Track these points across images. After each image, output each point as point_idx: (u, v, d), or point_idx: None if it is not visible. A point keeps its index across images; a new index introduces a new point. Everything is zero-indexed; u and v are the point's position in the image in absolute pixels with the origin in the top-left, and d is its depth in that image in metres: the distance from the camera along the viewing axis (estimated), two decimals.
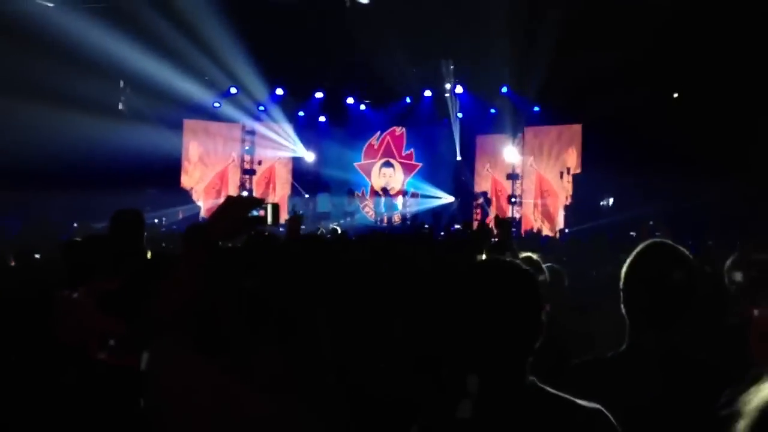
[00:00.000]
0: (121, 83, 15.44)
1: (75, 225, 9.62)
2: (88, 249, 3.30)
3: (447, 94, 17.82)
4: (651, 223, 11.90)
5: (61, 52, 12.26)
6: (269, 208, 1.91)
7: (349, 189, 18.86)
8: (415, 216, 17.71)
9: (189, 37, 13.96)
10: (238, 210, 1.87)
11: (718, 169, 11.99)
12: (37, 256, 5.03)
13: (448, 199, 18.89)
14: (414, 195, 19.21)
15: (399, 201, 19.16)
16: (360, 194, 19.49)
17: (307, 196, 18.79)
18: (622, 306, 2.22)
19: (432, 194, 18.93)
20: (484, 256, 3.80)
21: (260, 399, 1.73)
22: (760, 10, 10.93)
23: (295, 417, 1.75)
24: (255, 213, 1.88)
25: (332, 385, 1.88)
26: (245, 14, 13.60)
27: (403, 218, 18.09)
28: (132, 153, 13.95)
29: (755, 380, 1.13)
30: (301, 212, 9.81)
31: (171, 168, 17.26)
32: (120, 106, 15.64)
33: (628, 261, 2.26)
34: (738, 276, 3.43)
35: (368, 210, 19.48)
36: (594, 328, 3.21)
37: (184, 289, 1.77)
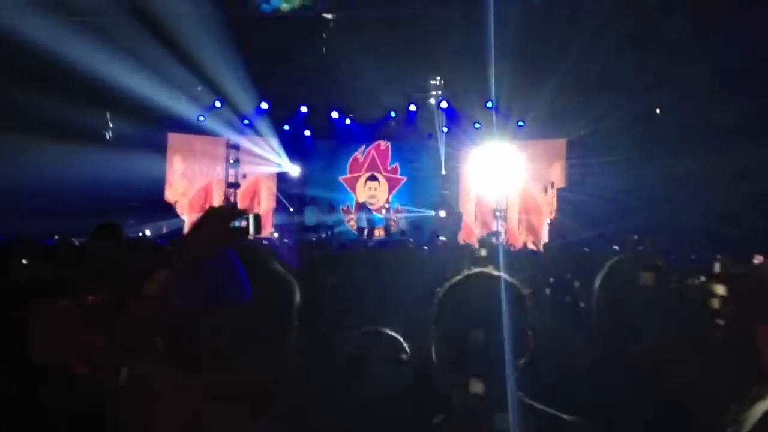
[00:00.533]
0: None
1: (56, 237, 9.50)
2: (68, 261, 3.26)
3: (433, 103, 17.82)
4: (635, 237, 11.95)
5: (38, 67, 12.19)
6: (251, 218, 1.89)
7: (329, 204, 18.94)
8: (400, 231, 17.79)
9: (173, 51, 13.93)
10: (219, 221, 1.84)
11: (702, 183, 12.09)
12: (24, 261, 4.94)
13: (434, 212, 18.91)
14: (398, 210, 19.26)
15: (383, 215, 19.19)
16: (345, 208, 19.51)
17: (292, 209, 18.80)
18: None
19: (417, 210, 18.96)
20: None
21: (233, 418, 1.71)
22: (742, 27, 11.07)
23: None
24: (237, 224, 1.86)
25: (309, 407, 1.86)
26: (230, 28, 13.61)
27: (386, 231, 18.14)
28: (115, 167, 13.87)
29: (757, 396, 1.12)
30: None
31: (155, 181, 17.17)
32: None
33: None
34: (720, 290, 3.45)
35: (352, 224, 19.48)
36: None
37: (162, 302, 1.75)
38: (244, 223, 1.87)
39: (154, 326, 1.76)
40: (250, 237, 1.92)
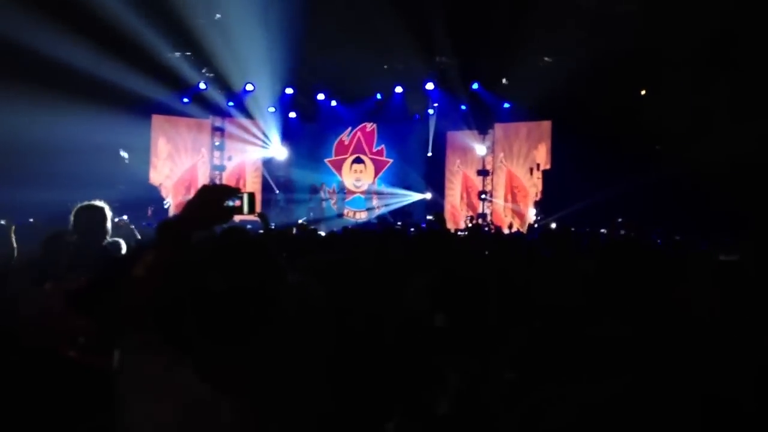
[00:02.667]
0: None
1: (30, 221, 9.39)
2: (54, 246, 3.24)
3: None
4: (620, 220, 12.04)
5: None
6: (245, 197, 1.89)
7: (312, 186, 19.02)
8: (385, 216, 17.86)
9: (157, 31, 13.79)
10: (213, 199, 1.84)
11: (686, 165, 12.16)
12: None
13: (420, 196, 18.96)
14: (382, 194, 19.34)
15: (367, 198, 19.28)
16: (331, 190, 19.53)
17: (278, 192, 18.81)
18: None
19: (403, 193, 19.00)
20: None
21: (227, 401, 1.71)
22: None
23: (259, 424, 1.73)
24: (231, 203, 1.85)
25: (301, 389, 1.86)
26: (215, 8, 13.50)
27: (378, 217, 18.21)
28: (100, 148, 13.77)
29: None
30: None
31: (139, 164, 17.07)
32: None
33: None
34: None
35: (336, 205, 19.54)
36: None
37: (150, 284, 1.74)
38: (238, 203, 1.86)
39: (145, 307, 1.76)
40: (244, 215, 1.92)
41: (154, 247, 1.81)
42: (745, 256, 3.10)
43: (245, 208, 1.88)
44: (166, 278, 1.73)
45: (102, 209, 4.10)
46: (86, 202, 4.06)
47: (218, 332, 1.73)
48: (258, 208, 1.88)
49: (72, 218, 3.96)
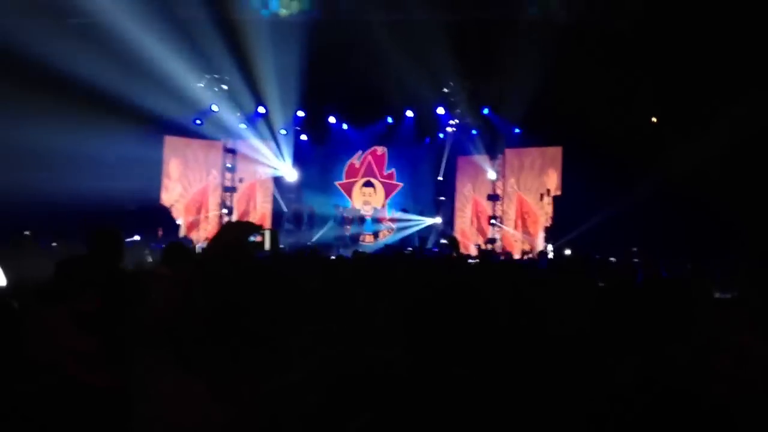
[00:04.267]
0: None
1: (54, 244, 9.48)
2: (67, 267, 3.26)
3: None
4: (635, 249, 11.96)
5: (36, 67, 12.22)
6: (267, 234, 1.92)
7: (335, 204, 19.11)
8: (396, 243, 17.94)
9: (170, 55, 13.94)
10: (235, 236, 1.86)
11: (697, 193, 12.13)
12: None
13: (430, 220, 18.97)
14: (393, 220, 19.36)
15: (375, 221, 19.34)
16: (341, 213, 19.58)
17: (285, 210, 18.95)
18: None
19: (415, 219, 19.00)
20: None
21: (239, 418, 1.72)
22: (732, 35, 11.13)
23: None
24: (252, 239, 1.88)
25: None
26: (228, 32, 13.64)
27: (375, 237, 18.28)
28: (112, 171, 13.90)
29: None
30: None
31: (151, 185, 17.19)
32: None
33: None
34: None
35: (347, 228, 19.57)
36: None
37: (172, 309, 1.76)
38: (259, 238, 1.89)
39: (161, 328, 1.77)
40: (266, 251, 1.94)
41: (167, 275, 1.83)
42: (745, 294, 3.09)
43: (266, 244, 1.91)
44: (183, 301, 1.74)
45: (118, 233, 4.15)
46: (102, 227, 4.11)
47: (233, 350, 1.74)
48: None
49: (88, 241, 4.02)
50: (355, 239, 18.71)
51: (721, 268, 8.16)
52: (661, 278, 5.18)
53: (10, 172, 12.25)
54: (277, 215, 19.10)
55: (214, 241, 1.88)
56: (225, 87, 16.56)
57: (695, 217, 12.35)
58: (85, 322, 2.70)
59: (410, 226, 18.92)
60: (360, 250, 12.43)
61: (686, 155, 12.34)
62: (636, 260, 11.36)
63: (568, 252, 13.47)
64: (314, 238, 18.03)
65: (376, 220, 19.40)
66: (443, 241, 15.23)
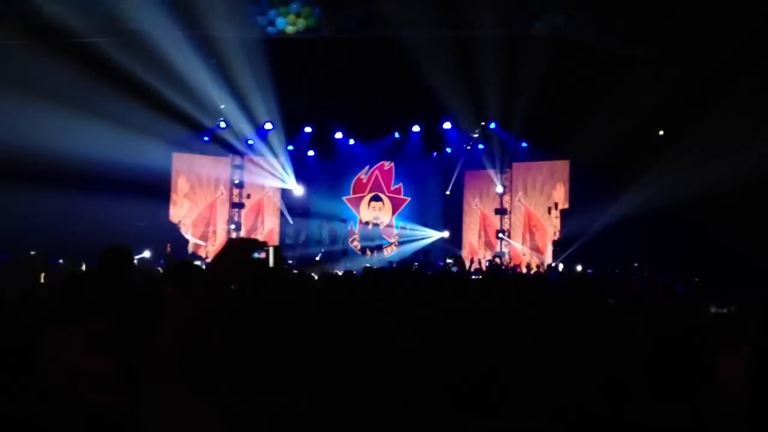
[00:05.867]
0: None
1: (60, 261, 9.51)
2: (77, 287, 3.29)
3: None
4: (636, 264, 11.94)
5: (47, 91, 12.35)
6: (271, 251, 1.92)
7: (341, 219, 19.14)
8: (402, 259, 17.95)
9: (180, 72, 14.04)
10: (239, 253, 1.87)
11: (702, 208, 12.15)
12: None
13: (438, 234, 18.98)
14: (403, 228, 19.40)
15: (386, 234, 19.34)
16: (349, 228, 19.56)
17: (291, 222, 19.05)
18: None
19: (422, 232, 19.02)
20: None
21: None
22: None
23: None
24: (256, 255, 1.89)
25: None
26: (236, 50, 13.74)
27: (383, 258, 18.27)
28: (120, 184, 13.98)
29: None
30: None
31: (160, 201, 17.27)
32: None
33: None
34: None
35: (356, 244, 19.58)
36: None
37: (182, 331, 1.77)
38: (263, 255, 1.90)
39: (173, 355, 1.78)
40: (270, 267, 1.95)
41: (176, 296, 1.84)
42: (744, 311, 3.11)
43: (270, 261, 1.92)
44: (195, 327, 1.75)
45: (128, 250, 4.17)
46: (113, 245, 4.13)
47: (245, 373, 1.76)
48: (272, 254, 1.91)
49: (99, 259, 4.04)
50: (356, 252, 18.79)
51: (719, 282, 8.17)
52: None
53: (17, 188, 12.35)
54: (283, 231, 19.23)
55: (219, 260, 1.88)
56: (233, 103, 16.63)
57: (696, 231, 12.35)
58: (97, 341, 2.71)
59: (417, 239, 18.95)
60: (366, 264, 12.46)
61: (691, 169, 12.37)
62: (640, 276, 11.32)
63: (579, 268, 13.44)
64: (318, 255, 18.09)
65: (382, 235, 19.42)
66: (449, 260, 15.21)
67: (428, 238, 18.93)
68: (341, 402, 2.01)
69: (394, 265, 13.10)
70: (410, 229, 19.22)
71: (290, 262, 10.04)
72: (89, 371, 2.67)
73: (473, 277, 10.43)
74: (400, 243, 19.27)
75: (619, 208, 13.87)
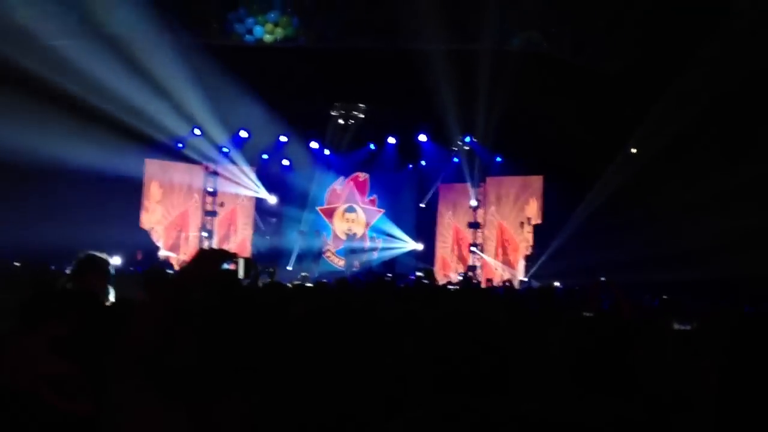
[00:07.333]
0: None
1: (16, 264, 9.35)
2: (45, 291, 3.23)
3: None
4: (602, 279, 12.01)
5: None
6: (241, 262, 1.92)
7: (315, 230, 19.03)
8: (374, 266, 17.91)
9: (153, 78, 13.95)
10: (209, 263, 1.86)
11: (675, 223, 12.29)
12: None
13: (413, 244, 19.01)
14: (377, 240, 19.34)
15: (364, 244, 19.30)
16: (322, 239, 19.46)
17: (268, 237, 18.89)
18: None
19: (399, 238, 19.03)
20: None
21: None
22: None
23: None
24: (226, 266, 1.88)
25: None
26: (211, 57, 13.68)
27: (367, 266, 18.15)
28: (91, 190, 13.83)
29: None
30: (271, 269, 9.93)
31: (131, 207, 17.11)
32: None
33: None
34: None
35: (330, 255, 19.50)
36: None
37: (148, 335, 1.74)
38: (233, 266, 1.89)
39: (138, 355, 1.76)
40: (240, 279, 1.94)
41: (146, 300, 1.82)
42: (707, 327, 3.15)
43: (240, 272, 1.91)
44: (160, 329, 1.73)
45: (102, 258, 4.13)
46: (89, 252, 4.09)
47: (216, 377, 1.73)
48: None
49: (73, 266, 4.00)
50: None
51: (682, 299, 8.28)
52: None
53: None
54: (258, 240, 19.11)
55: (190, 269, 1.87)
56: (207, 111, 16.53)
57: (664, 245, 12.51)
58: (60, 346, 2.66)
59: (391, 250, 18.94)
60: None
61: (664, 186, 12.54)
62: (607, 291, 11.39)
63: (557, 284, 13.51)
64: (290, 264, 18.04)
65: (356, 246, 19.34)
66: (419, 273, 15.22)
67: (402, 248, 18.94)
68: (313, 403, 1.99)
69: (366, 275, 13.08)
70: (385, 238, 19.20)
71: (270, 270, 9.93)
72: (52, 376, 2.60)
73: (449, 287, 10.46)
74: (380, 250, 19.22)
75: (586, 221, 14.03)
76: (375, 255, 18.91)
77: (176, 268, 14.75)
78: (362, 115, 17.61)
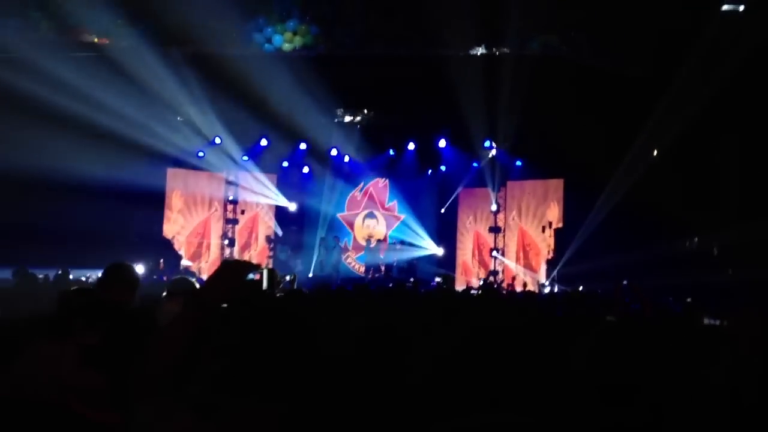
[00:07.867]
0: None
1: (59, 272, 9.46)
2: (73, 300, 3.27)
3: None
4: (625, 282, 11.93)
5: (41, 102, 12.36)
6: (265, 272, 1.93)
7: (334, 236, 19.01)
8: (396, 269, 17.88)
9: (174, 88, 14.07)
10: (234, 274, 1.87)
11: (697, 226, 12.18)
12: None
13: (434, 248, 18.98)
14: (401, 243, 19.28)
15: (383, 250, 19.21)
16: (343, 245, 19.46)
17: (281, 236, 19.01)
18: None
19: (418, 243, 19.00)
20: None
21: None
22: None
23: None
24: (251, 277, 1.89)
25: None
26: (231, 67, 13.78)
27: (387, 269, 18.10)
28: (115, 199, 13.96)
29: None
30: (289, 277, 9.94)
31: (153, 217, 17.25)
32: None
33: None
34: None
35: (350, 261, 19.52)
36: None
37: (175, 348, 1.76)
38: (257, 277, 1.90)
39: (166, 371, 1.77)
40: (264, 289, 1.95)
41: (179, 314, 1.83)
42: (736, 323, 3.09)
43: (264, 283, 1.92)
44: (189, 345, 1.75)
45: (129, 267, 4.15)
46: (116, 262, 4.12)
47: (245, 393, 1.75)
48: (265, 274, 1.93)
49: (101, 275, 4.04)
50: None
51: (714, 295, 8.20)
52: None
53: (12, 201, 12.32)
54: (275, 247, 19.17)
55: (213, 281, 1.89)
56: (228, 119, 16.63)
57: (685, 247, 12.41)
58: (89, 356, 2.68)
59: (411, 256, 18.89)
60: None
61: (684, 187, 12.44)
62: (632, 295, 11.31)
63: (581, 288, 13.44)
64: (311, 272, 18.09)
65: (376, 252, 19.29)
66: (438, 279, 15.20)
67: (422, 252, 18.91)
68: (335, 415, 2.00)
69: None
70: (408, 243, 19.16)
71: (288, 278, 9.97)
72: (82, 387, 2.63)
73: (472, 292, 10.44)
74: (398, 256, 19.16)
75: (607, 223, 13.93)
76: (395, 260, 18.83)
77: (198, 276, 14.85)
78: (380, 122, 17.60)
